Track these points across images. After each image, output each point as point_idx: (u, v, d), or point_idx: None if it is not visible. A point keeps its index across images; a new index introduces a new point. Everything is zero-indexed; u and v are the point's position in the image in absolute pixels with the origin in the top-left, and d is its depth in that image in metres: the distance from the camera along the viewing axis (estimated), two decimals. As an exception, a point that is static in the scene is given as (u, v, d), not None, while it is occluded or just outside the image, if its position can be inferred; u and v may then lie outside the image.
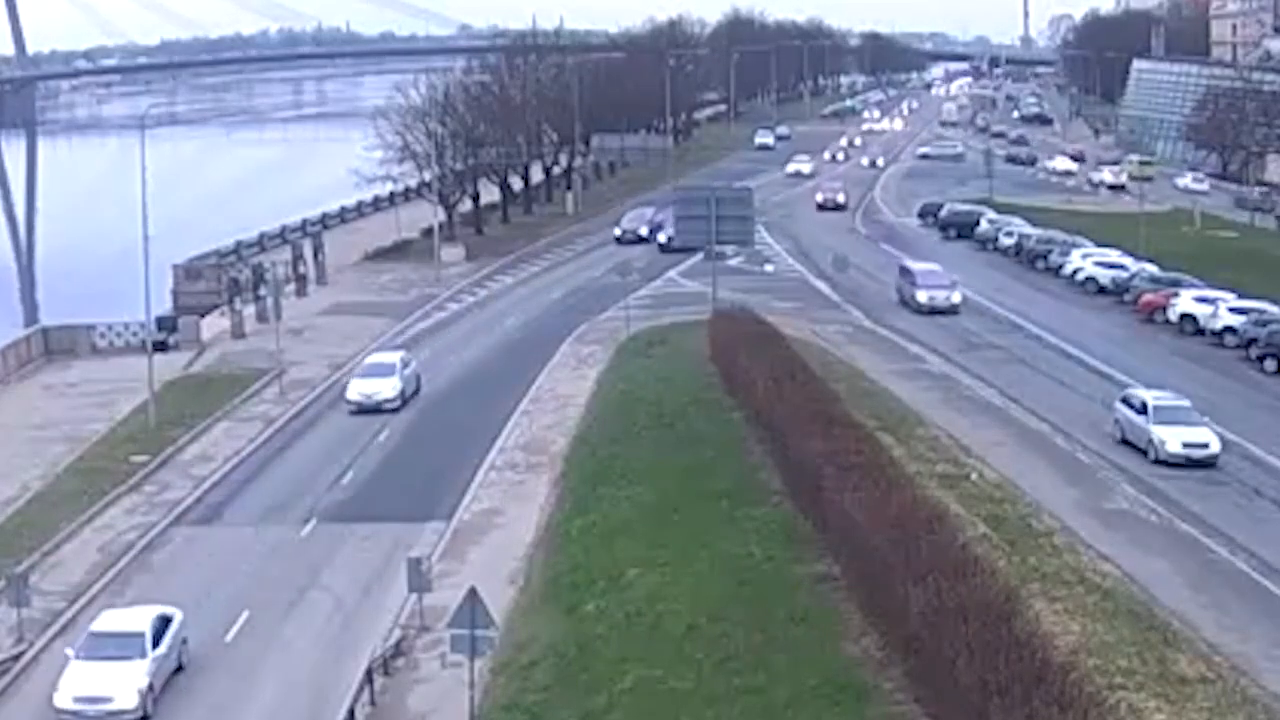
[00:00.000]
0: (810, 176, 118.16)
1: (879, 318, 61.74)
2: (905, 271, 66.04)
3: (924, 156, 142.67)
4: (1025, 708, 19.45)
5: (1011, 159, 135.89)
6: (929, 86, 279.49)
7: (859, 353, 54.04)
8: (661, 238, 79.18)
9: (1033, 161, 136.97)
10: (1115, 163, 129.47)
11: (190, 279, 74.75)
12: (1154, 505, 36.74)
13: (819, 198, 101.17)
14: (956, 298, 62.67)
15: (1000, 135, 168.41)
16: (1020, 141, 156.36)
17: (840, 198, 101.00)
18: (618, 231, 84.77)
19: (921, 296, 62.65)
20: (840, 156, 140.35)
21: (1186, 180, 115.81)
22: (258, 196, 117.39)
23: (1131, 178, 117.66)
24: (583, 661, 27.50)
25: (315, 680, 29.31)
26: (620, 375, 50.40)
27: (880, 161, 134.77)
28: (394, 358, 51.85)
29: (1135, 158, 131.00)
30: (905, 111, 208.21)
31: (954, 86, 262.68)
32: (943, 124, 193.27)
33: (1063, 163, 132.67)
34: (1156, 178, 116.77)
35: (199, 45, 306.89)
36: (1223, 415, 45.50)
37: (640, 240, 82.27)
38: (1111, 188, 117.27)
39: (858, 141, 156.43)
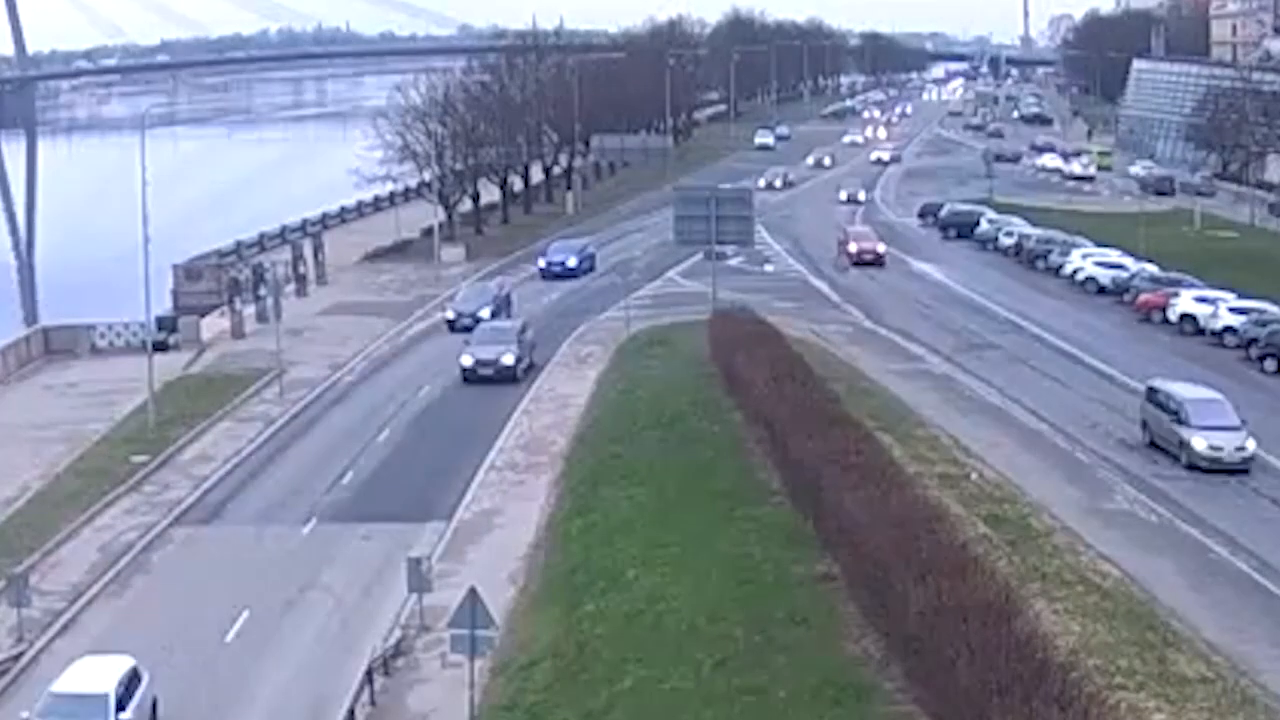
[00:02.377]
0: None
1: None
2: (1164, 399, 42.15)
3: (876, 162, 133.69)
4: (1025, 708, 19.45)
5: (997, 157, 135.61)
6: (921, 90, 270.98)
7: (859, 353, 54.05)
8: (467, 359, 51.54)
9: (1016, 159, 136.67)
10: (1078, 154, 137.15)
11: (190, 279, 74.70)
12: (1154, 505, 36.76)
13: (851, 248, 76.82)
14: (1251, 445, 40.04)
15: (978, 128, 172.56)
16: (997, 134, 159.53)
17: (880, 248, 77.34)
18: (450, 315, 61.56)
19: (1198, 444, 39.78)
20: (778, 184, 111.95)
21: (1137, 168, 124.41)
22: (258, 196, 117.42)
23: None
24: (583, 661, 27.49)
25: (315, 680, 29.30)
26: (620, 375, 50.40)
27: (862, 195, 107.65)
28: (109, 677, 26.62)
29: (1095, 148, 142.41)
30: (894, 119, 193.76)
31: (949, 89, 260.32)
32: (951, 114, 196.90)
33: (1051, 160, 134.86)
34: (1115, 168, 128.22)
35: (199, 45, 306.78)
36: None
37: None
38: (1079, 178, 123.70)
39: (826, 161, 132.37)
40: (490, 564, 34.00)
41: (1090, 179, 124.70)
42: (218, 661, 30.39)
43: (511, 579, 33.13)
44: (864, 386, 46.57)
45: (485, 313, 59.56)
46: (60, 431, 48.05)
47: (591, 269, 74.42)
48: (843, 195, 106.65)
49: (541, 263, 74.58)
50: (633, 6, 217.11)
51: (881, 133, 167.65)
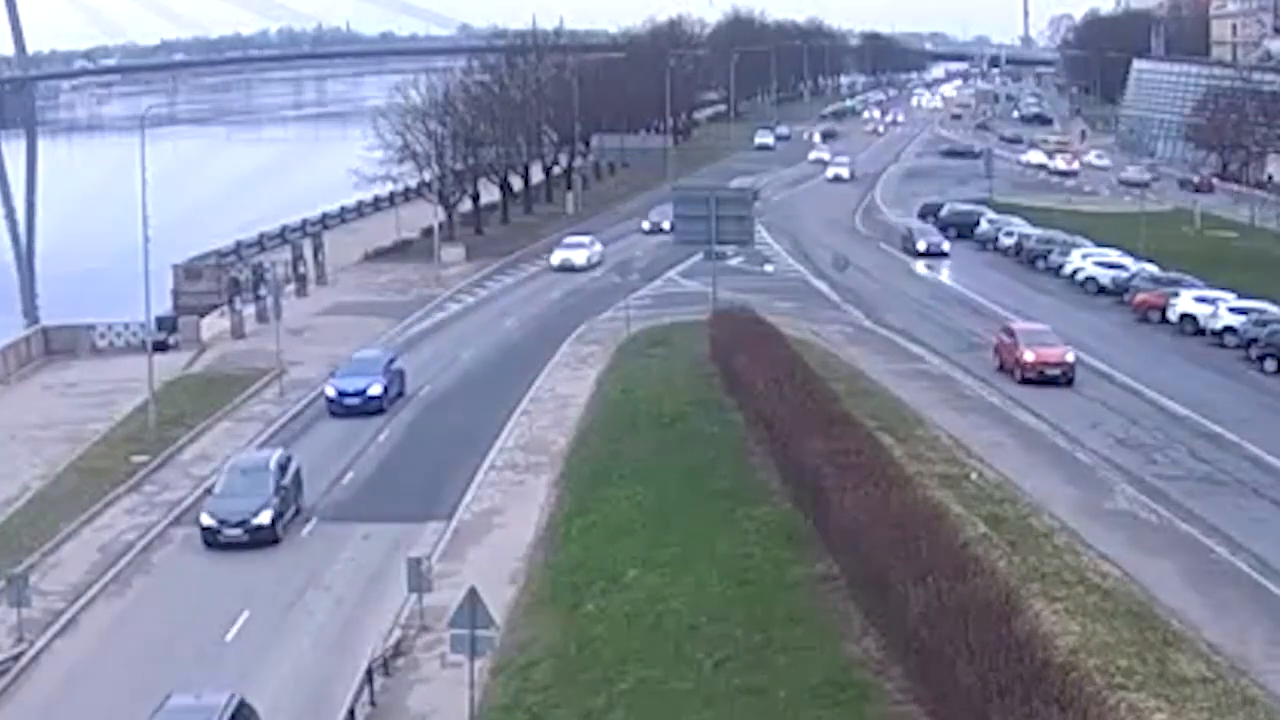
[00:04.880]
0: (590, 269, 76.27)
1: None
2: None
3: (835, 179, 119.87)
4: (1025, 708, 19.44)
5: (955, 153, 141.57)
6: (912, 93, 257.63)
7: (859, 353, 54.05)
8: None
9: (979, 154, 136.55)
10: (1034, 144, 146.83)
11: (190, 279, 74.74)
12: (1155, 506, 36.77)
13: (1025, 356, 50.37)
14: None
15: (956, 116, 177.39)
16: (984, 126, 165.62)
17: (1069, 356, 50.72)
18: (206, 520, 37.47)
19: None
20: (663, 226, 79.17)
21: (1090, 156, 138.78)
22: (258, 196, 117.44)
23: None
24: (583, 661, 27.50)
25: (315, 680, 29.31)
26: (620, 375, 50.40)
27: (946, 247, 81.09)
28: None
29: (1055, 139, 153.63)
30: (882, 128, 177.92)
31: (945, 90, 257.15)
32: (958, 105, 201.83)
33: (1037, 156, 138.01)
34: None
35: (199, 45, 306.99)
36: (1223, 415, 45.56)
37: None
38: (1063, 173, 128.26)
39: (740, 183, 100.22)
40: (490, 564, 34.00)
41: (1075, 174, 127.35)
42: (218, 661, 30.39)
43: (511, 579, 33.13)
44: (864, 386, 46.55)
45: (265, 517, 36.96)
46: (60, 431, 48.06)
47: (401, 393, 50.59)
48: (921, 246, 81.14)
49: (330, 390, 49.34)
50: (633, 6, 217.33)
51: (809, 140, 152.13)
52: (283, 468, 38.84)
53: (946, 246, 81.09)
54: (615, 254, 76.42)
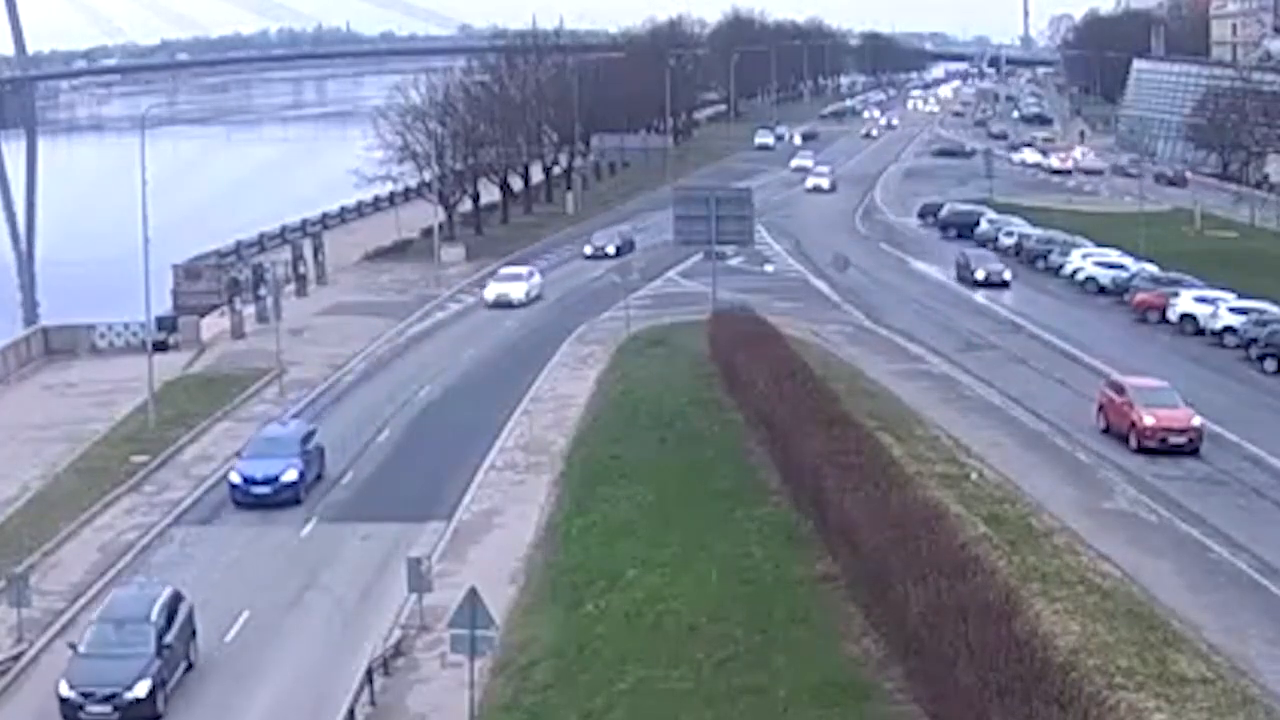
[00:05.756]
0: (529, 304, 67.75)
1: None
2: None
3: (814, 190, 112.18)
4: (1025, 708, 19.46)
5: (947, 152, 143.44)
6: (908, 96, 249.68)
7: (859, 353, 54.06)
8: None
9: (970, 153, 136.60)
10: (1040, 145, 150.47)
11: (190, 279, 74.73)
12: (1154, 506, 36.77)
13: (1144, 420, 42.03)
14: None
15: (959, 114, 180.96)
16: (982, 123, 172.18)
17: (1195, 420, 42.39)
18: (63, 695, 28.22)
19: None
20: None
21: (1077, 153, 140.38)
22: (258, 196, 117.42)
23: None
24: (583, 661, 27.51)
25: (315, 680, 29.30)
26: (620, 375, 50.41)
27: (1008, 273, 71.51)
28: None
29: (1042, 136, 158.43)
30: (876, 130, 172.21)
31: (941, 92, 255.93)
32: (960, 103, 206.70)
33: (1031, 155, 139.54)
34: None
35: (199, 45, 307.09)
36: (1223, 415, 45.52)
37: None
38: (1057, 172, 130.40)
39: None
40: (490, 564, 34.01)
41: (1070, 173, 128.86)
42: (218, 661, 30.38)
43: (511, 579, 33.14)
44: (864, 386, 46.58)
45: (141, 688, 28.09)
46: (60, 431, 48.04)
47: (320, 476, 41.91)
48: (979, 275, 70.93)
49: (235, 476, 40.49)
50: (633, 6, 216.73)
51: (790, 141, 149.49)
52: (170, 614, 29.72)
53: (1008, 275, 70.83)
54: (557, 281, 73.33)
